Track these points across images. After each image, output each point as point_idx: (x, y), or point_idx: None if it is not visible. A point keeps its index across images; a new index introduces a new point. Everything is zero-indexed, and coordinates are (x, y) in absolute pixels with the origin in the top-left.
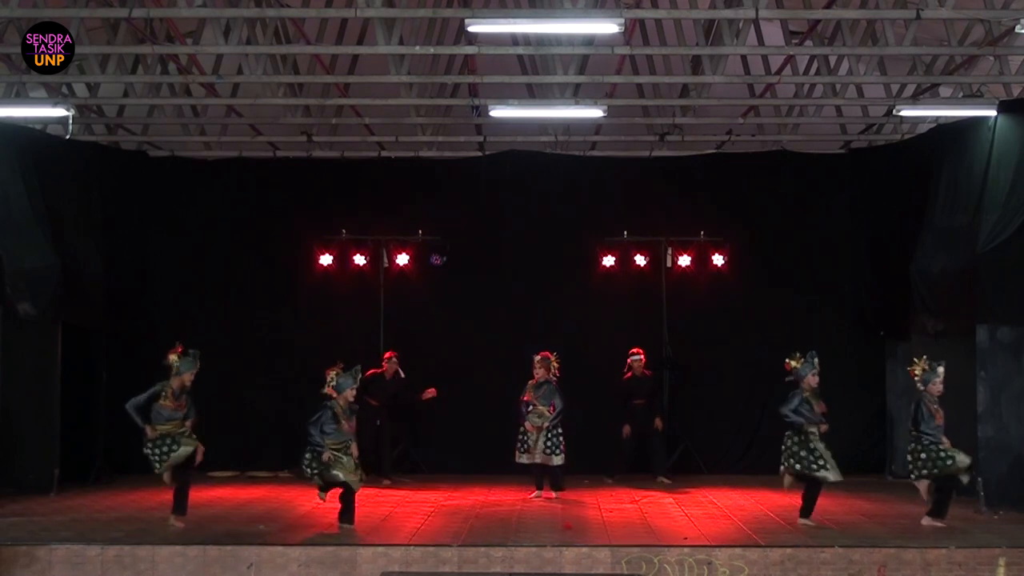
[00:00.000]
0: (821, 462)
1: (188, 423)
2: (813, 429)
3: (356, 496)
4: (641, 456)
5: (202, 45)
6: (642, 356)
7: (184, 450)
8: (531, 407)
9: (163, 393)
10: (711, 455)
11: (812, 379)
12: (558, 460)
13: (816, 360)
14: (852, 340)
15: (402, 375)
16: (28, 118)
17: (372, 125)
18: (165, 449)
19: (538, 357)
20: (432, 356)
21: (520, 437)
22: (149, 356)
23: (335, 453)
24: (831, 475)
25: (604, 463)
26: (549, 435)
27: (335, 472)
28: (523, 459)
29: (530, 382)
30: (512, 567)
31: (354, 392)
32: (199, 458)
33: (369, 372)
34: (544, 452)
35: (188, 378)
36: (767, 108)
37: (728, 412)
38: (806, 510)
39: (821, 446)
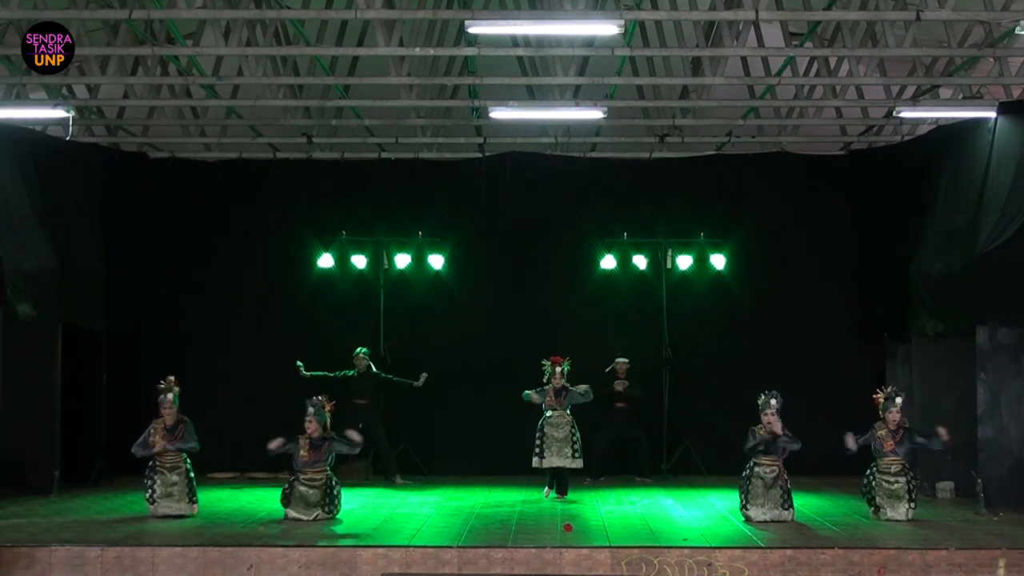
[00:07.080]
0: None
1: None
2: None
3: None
4: (625, 457)
5: (202, 47)
6: (625, 363)
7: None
8: (551, 412)
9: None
10: (711, 455)
11: (763, 417)
12: (578, 464)
13: (760, 400)
14: (852, 341)
15: (374, 369)
16: (28, 119)
17: (372, 126)
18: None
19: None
20: (432, 357)
21: (538, 441)
22: (149, 357)
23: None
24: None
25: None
26: (574, 439)
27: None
28: (541, 464)
29: (548, 388)
30: (512, 568)
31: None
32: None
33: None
34: (573, 456)
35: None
36: (767, 109)
37: (728, 413)
38: None
39: (756, 484)
